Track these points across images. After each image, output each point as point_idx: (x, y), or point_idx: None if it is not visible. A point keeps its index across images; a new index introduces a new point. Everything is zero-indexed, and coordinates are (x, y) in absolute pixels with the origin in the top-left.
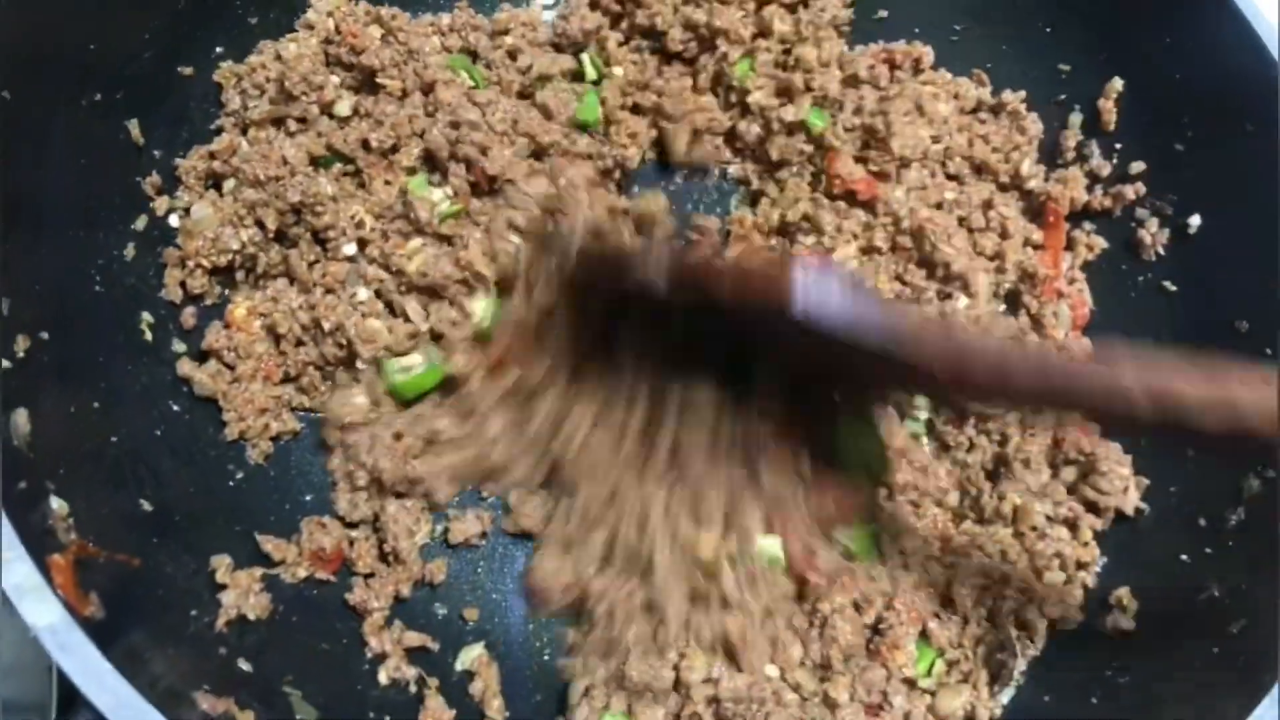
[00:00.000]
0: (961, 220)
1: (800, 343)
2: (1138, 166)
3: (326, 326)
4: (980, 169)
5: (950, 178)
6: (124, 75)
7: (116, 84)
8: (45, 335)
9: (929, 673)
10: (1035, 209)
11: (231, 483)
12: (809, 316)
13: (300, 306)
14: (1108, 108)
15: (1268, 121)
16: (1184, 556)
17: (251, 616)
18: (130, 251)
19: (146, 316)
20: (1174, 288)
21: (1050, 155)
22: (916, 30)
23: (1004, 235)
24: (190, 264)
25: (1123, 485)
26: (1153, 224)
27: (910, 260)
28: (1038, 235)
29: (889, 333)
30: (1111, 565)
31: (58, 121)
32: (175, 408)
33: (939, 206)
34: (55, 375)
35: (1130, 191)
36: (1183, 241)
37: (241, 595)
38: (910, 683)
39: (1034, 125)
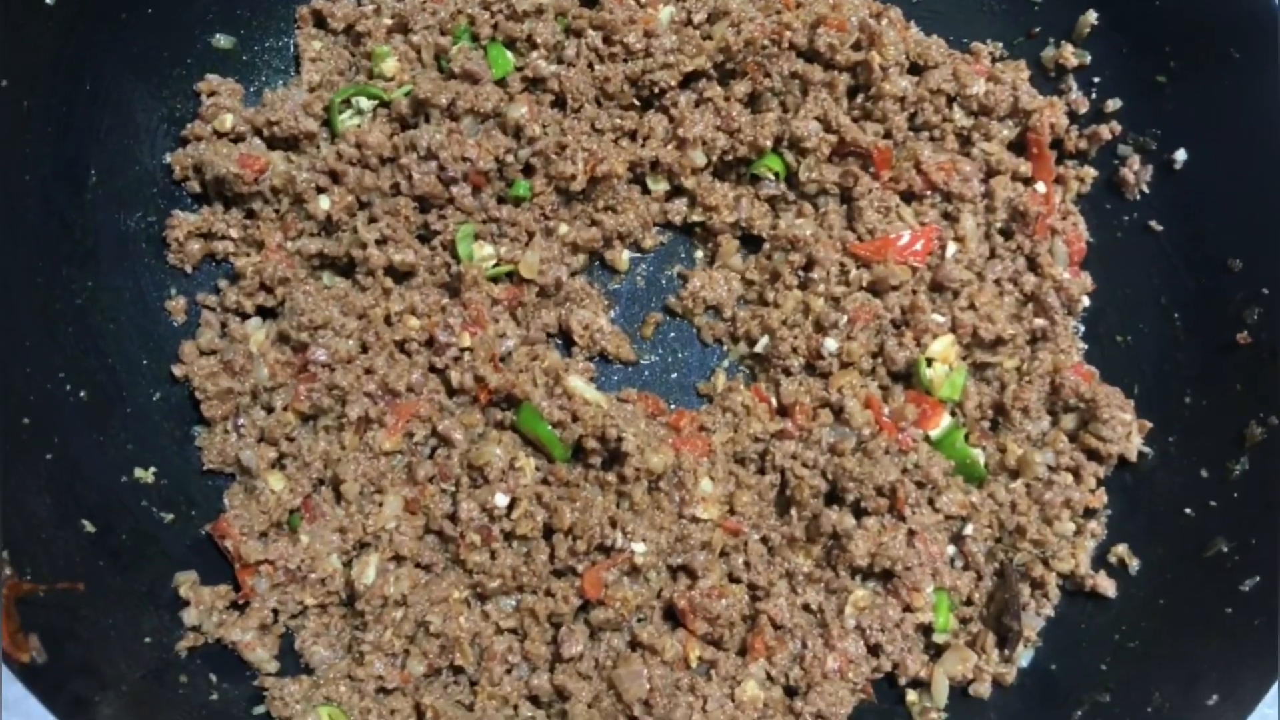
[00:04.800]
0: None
1: None
2: (1114, 104)
3: None
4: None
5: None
6: None
7: None
8: None
9: (945, 626)
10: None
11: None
12: None
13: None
14: (1083, 39)
15: (1256, 47)
16: (1188, 510)
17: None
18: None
19: None
20: (1160, 227)
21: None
22: None
23: (991, 173)
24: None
25: (1125, 430)
26: (1135, 161)
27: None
28: (1025, 168)
29: None
30: (1111, 523)
31: None
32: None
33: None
34: None
35: (1106, 132)
36: (1168, 178)
37: (205, 613)
38: (926, 629)
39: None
